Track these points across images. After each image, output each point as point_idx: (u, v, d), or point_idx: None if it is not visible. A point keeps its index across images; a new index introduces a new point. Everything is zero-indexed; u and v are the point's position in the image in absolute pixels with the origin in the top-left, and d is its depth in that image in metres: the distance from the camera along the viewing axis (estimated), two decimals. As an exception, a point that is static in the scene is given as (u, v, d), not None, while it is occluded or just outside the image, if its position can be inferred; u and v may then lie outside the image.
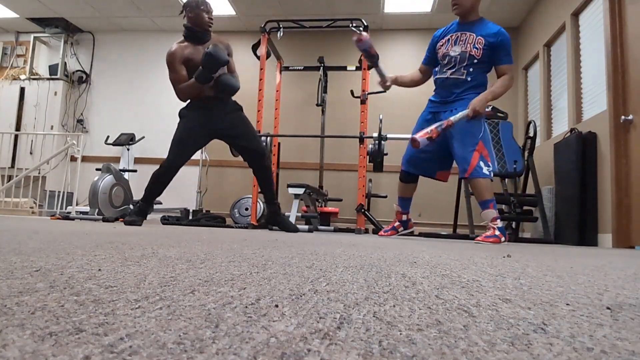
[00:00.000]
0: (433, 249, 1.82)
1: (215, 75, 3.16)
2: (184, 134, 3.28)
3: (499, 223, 2.86)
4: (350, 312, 0.46)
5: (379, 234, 3.60)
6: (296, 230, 3.54)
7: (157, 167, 3.36)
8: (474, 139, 2.92)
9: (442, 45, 3.11)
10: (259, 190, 3.53)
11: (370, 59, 3.21)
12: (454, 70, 3.02)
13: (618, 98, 3.59)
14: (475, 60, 2.95)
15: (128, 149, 6.02)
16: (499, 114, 4.83)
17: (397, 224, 3.41)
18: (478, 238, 2.88)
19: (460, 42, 2.99)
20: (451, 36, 3.05)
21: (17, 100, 6.70)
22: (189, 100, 3.34)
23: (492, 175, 2.95)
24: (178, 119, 3.40)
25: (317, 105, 5.37)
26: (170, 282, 0.59)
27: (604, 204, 3.69)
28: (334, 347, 0.33)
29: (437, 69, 3.19)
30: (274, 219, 3.49)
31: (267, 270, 0.78)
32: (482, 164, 2.89)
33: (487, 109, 4.79)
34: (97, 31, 7.04)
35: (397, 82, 3.30)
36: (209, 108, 3.31)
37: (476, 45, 2.95)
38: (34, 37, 6.97)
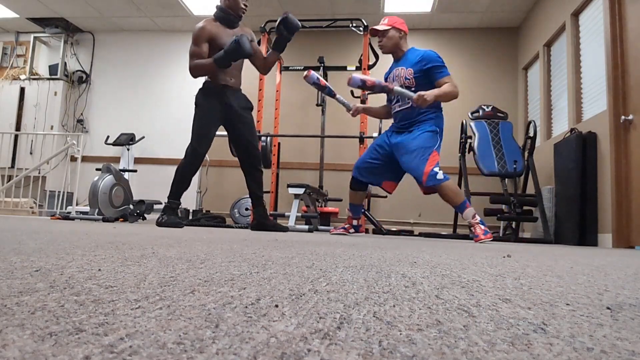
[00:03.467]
0: (433, 249, 1.82)
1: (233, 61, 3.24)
2: (204, 121, 3.30)
3: (478, 218, 3.03)
4: (350, 312, 0.46)
5: (331, 231, 3.73)
6: (286, 229, 3.57)
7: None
8: (427, 150, 3.04)
9: (389, 81, 3.30)
10: (249, 193, 3.55)
11: (323, 91, 3.39)
12: (400, 102, 3.20)
13: (618, 98, 3.59)
14: (413, 89, 3.09)
15: (128, 149, 6.02)
16: (499, 114, 4.83)
17: (347, 226, 3.55)
18: (476, 239, 2.97)
19: (397, 78, 3.20)
20: (390, 75, 3.29)
21: (17, 100, 6.70)
22: (204, 86, 3.36)
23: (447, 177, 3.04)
24: (187, 113, 3.44)
25: (317, 105, 5.37)
26: (170, 282, 0.59)
27: (604, 204, 3.69)
28: (334, 347, 0.33)
29: (391, 104, 3.36)
30: (263, 224, 3.45)
31: (267, 270, 0.78)
32: (436, 169, 2.99)
33: (487, 109, 4.82)
34: (97, 31, 7.04)
35: (367, 112, 3.58)
36: (224, 94, 3.32)
37: (407, 77, 3.14)
38: (34, 37, 6.97)
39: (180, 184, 3.32)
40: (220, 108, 3.31)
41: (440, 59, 3.11)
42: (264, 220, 3.45)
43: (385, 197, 5.29)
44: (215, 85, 3.30)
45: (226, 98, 3.31)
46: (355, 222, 3.54)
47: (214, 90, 3.31)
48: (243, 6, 3.34)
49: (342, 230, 3.56)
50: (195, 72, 3.23)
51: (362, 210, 4.40)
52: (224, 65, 3.17)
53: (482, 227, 2.99)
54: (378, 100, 5.44)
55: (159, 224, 3.26)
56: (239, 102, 3.39)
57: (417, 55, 3.14)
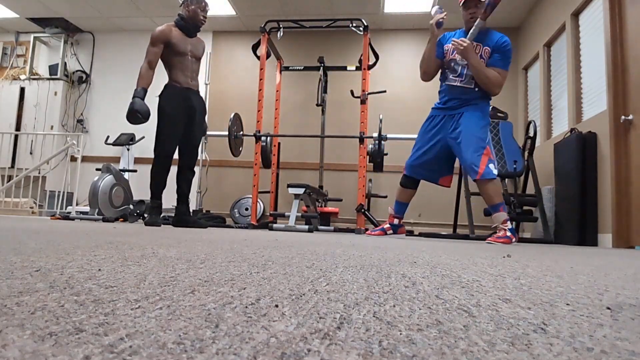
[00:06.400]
0: (433, 249, 1.82)
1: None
2: (170, 121, 3.49)
3: (509, 225, 2.90)
4: (350, 312, 0.46)
5: (367, 233, 3.61)
6: (207, 226, 3.76)
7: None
8: (483, 143, 2.99)
9: (448, 51, 3.11)
10: (177, 189, 3.68)
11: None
12: (462, 79, 3.06)
13: (618, 98, 3.59)
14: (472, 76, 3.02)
15: (128, 149, 6.02)
16: (499, 114, 4.83)
17: (387, 226, 3.41)
18: (489, 239, 2.91)
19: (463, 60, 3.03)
20: (451, 46, 3.05)
21: (17, 100, 6.70)
22: (168, 87, 3.56)
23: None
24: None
25: (317, 105, 5.37)
26: (170, 282, 0.59)
27: (604, 204, 3.69)
28: (334, 347, 0.33)
29: (442, 75, 3.18)
30: (185, 220, 3.62)
31: (267, 270, 0.78)
32: (491, 166, 2.95)
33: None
34: (97, 31, 7.04)
35: (432, 42, 3.13)
36: (188, 96, 3.57)
37: (483, 56, 3.00)
38: (34, 37, 6.97)
39: (155, 185, 3.53)
40: (183, 108, 3.52)
41: (511, 54, 3.02)
42: (185, 217, 3.64)
43: (385, 197, 5.29)
44: (179, 87, 3.54)
45: (189, 100, 3.55)
46: (396, 221, 3.36)
47: (178, 91, 3.53)
48: (202, 18, 3.61)
49: (379, 231, 3.41)
50: (142, 70, 3.48)
51: (363, 210, 4.41)
52: (134, 97, 3.38)
53: (508, 233, 2.84)
54: (377, 100, 5.43)
55: (145, 223, 3.54)
56: (200, 106, 3.66)
57: (499, 37, 3.00)
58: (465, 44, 2.91)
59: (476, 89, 3.03)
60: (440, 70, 3.21)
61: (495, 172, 2.96)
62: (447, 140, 3.10)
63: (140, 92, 3.37)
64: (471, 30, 2.97)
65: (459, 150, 3.04)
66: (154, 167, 3.51)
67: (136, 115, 3.31)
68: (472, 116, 3.02)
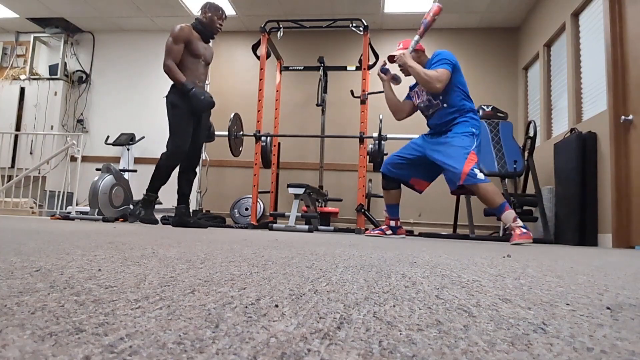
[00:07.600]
0: (433, 249, 1.82)
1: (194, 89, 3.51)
2: (184, 118, 3.50)
3: (520, 221, 2.90)
4: (350, 312, 0.46)
5: (366, 233, 3.64)
6: (207, 226, 3.77)
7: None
8: (465, 150, 2.97)
9: (414, 96, 3.36)
10: (178, 189, 3.68)
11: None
12: (432, 108, 3.20)
13: (618, 98, 3.59)
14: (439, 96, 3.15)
15: (128, 149, 6.02)
16: (499, 114, 4.83)
17: (384, 227, 3.46)
18: (513, 239, 2.86)
19: (424, 91, 3.21)
20: (417, 89, 3.31)
21: (17, 100, 6.70)
22: (175, 87, 3.56)
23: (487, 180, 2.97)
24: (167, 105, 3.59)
25: (317, 105, 5.37)
26: (170, 282, 0.59)
27: (604, 204, 3.69)
28: (334, 347, 0.33)
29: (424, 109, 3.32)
30: (185, 220, 3.62)
31: (267, 270, 0.78)
32: (475, 170, 2.91)
33: (487, 109, 4.82)
34: (97, 31, 7.04)
35: (391, 88, 3.41)
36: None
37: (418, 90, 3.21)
38: (34, 37, 6.97)
39: (160, 180, 3.52)
40: (191, 108, 3.52)
41: (446, 57, 3.08)
42: (185, 217, 3.64)
43: (385, 197, 5.29)
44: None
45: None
46: (392, 223, 3.41)
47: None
48: (218, 26, 3.65)
49: (378, 232, 3.46)
50: (167, 71, 3.46)
51: (363, 210, 4.41)
52: (183, 93, 3.44)
53: (523, 229, 2.85)
54: (377, 100, 5.44)
55: (139, 218, 3.54)
56: (208, 97, 3.66)
57: (431, 58, 3.16)
58: (404, 53, 3.13)
59: (444, 105, 3.12)
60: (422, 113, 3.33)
61: (482, 175, 2.90)
62: (427, 150, 3.15)
63: (190, 84, 3.44)
64: (410, 46, 3.19)
65: (439, 159, 3.05)
66: (163, 161, 3.49)
67: (209, 100, 3.46)
68: (455, 132, 3.06)
